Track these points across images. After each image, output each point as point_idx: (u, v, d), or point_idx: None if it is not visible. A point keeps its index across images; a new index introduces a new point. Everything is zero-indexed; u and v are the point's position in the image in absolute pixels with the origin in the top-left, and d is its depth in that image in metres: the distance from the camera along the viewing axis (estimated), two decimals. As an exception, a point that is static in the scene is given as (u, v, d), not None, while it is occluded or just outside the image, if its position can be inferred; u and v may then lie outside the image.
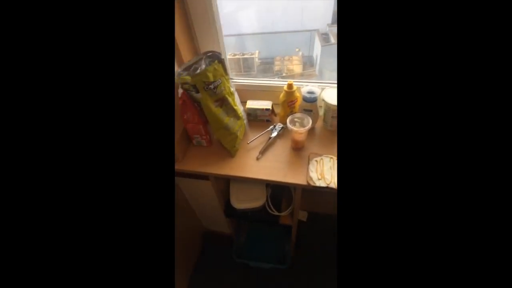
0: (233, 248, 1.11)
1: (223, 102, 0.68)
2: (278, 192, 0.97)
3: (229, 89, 0.69)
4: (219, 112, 0.68)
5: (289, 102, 0.81)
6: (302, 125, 0.76)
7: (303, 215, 1.32)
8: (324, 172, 0.72)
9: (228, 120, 0.71)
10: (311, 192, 1.21)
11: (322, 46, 3.62)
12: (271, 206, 0.92)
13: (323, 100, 0.78)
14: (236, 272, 1.16)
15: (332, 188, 0.70)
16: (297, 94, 0.81)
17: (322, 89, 0.80)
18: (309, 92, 0.77)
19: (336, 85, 0.81)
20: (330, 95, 0.78)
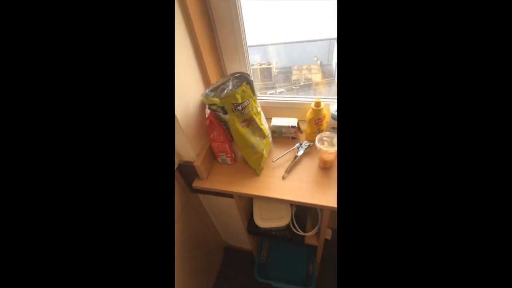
0: (255, 267, 1.09)
1: (250, 122, 0.67)
2: (303, 210, 0.94)
3: (256, 109, 0.68)
4: (245, 132, 0.67)
5: (316, 120, 0.79)
6: (331, 144, 0.73)
7: (327, 233, 1.27)
8: (354, 194, 0.69)
9: (254, 139, 0.70)
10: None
11: (341, 54, 3.59)
12: (296, 225, 0.89)
13: (353, 118, 0.75)
14: None
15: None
16: (325, 111, 0.79)
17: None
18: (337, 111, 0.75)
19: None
20: (359, 112, 0.75)
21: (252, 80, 0.65)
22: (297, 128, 0.84)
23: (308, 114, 0.79)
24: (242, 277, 1.17)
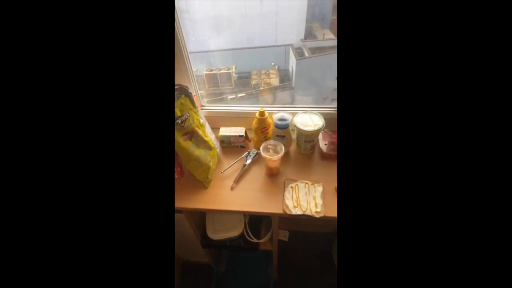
0: (213, 280, 1.06)
1: (193, 135, 0.66)
2: (257, 218, 0.95)
3: (199, 121, 0.67)
4: (188, 145, 0.65)
5: (261, 129, 0.81)
6: (276, 151, 0.75)
7: (284, 235, 1.30)
8: (299, 199, 0.72)
9: (199, 152, 0.69)
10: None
11: (296, 60, 3.73)
12: (250, 233, 0.89)
13: (295, 125, 0.78)
14: None
15: (308, 216, 0.69)
16: (270, 120, 0.81)
17: (294, 114, 0.80)
18: (280, 120, 0.77)
19: (307, 110, 0.82)
20: (302, 120, 0.79)
21: (191, 93, 0.64)
22: (245, 137, 0.85)
23: (254, 123, 0.80)
24: (202, 291, 1.13)
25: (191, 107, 0.64)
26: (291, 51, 3.75)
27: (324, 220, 1.26)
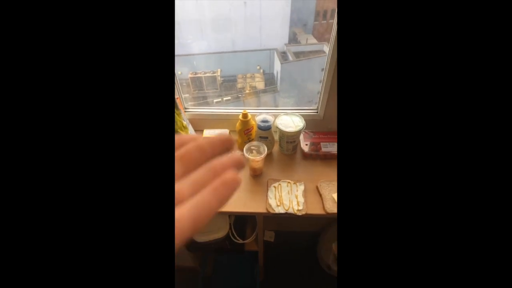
0: (198, 283, 1.06)
1: (176, 136, 0.66)
2: (242, 218, 0.96)
3: (182, 123, 0.68)
4: (172, 147, 0.66)
5: (245, 130, 0.82)
6: (259, 152, 0.77)
7: (270, 236, 1.32)
8: (282, 198, 0.74)
9: (183, 154, 0.69)
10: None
11: (281, 63, 3.80)
12: (235, 234, 0.90)
13: (277, 127, 0.80)
14: None
15: (291, 214, 0.71)
16: (253, 122, 0.83)
17: (276, 116, 0.83)
18: (263, 121, 0.79)
19: (288, 112, 0.85)
20: (283, 122, 0.81)
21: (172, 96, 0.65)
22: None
23: (237, 125, 0.82)
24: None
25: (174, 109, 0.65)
26: (275, 55, 3.82)
27: (309, 219, 1.29)
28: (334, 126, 0.90)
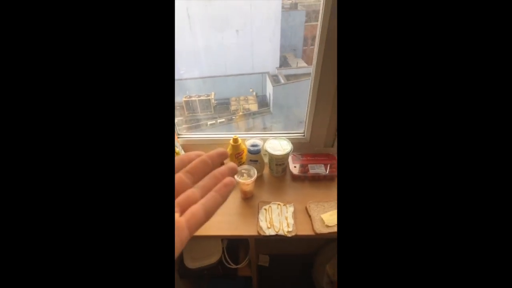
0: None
1: (168, 163, 0.69)
2: (235, 243, 0.96)
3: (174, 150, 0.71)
4: (164, 173, 0.68)
5: (236, 154, 0.86)
6: (249, 175, 0.80)
7: (264, 260, 1.30)
8: (273, 220, 0.75)
9: (175, 180, 0.72)
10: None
11: (273, 86, 3.93)
12: (228, 259, 0.90)
13: (266, 150, 0.84)
14: None
15: (281, 235, 0.72)
16: (243, 146, 0.86)
17: (265, 140, 0.87)
18: (252, 146, 0.83)
19: (277, 136, 0.89)
20: (272, 145, 0.85)
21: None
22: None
23: (228, 149, 0.85)
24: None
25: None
26: (267, 78, 3.96)
27: (302, 241, 1.29)
28: (320, 148, 0.94)
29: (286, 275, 1.26)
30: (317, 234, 0.72)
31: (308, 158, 0.91)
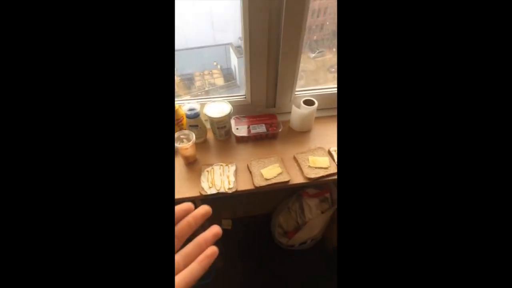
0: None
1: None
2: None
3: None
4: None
5: (176, 121, 0.85)
6: (189, 140, 0.80)
7: (228, 224, 1.36)
8: (214, 179, 0.78)
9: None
10: (230, 200, 1.27)
11: (238, 58, 3.82)
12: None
13: (205, 114, 0.83)
14: None
15: (222, 193, 0.75)
16: (181, 112, 0.85)
17: (203, 104, 0.86)
18: (190, 110, 0.82)
19: (216, 99, 0.89)
20: (211, 109, 0.85)
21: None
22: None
23: (167, 117, 0.84)
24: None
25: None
26: (231, 49, 3.82)
27: (259, 200, 1.34)
28: (262, 109, 0.96)
29: (247, 236, 1.33)
30: (256, 187, 0.76)
31: (250, 119, 0.92)
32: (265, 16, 0.72)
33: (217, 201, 1.27)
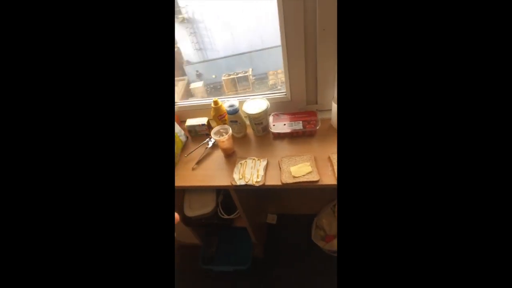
0: (199, 256, 1.21)
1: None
2: (229, 197, 1.06)
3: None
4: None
5: (219, 116, 0.93)
6: (228, 134, 0.87)
7: (272, 218, 1.39)
8: (245, 172, 0.82)
9: (159, 139, 0.84)
10: (278, 195, 1.30)
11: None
12: (221, 210, 1.02)
13: (244, 110, 0.89)
14: (202, 279, 1.24)
15: (250, 185, 0.79)
16: (224, 108, 0.93)
17: (243, 101, 0.91)
18: (229, 106, 0.89)
19: (255, 97, 0.92)
20: (249, 106, 0.89)
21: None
22: (207, 125, 0.98)
23: (212, 112, 0.93)
24: (193, 270, 1.27)
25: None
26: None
27: (305, 201, 1.31)
28: (303, 106, 0.94)
29: (292, 232, 1.32)
30: (283, 184, 0.76)
31: (289, 116, 0.92)
32: (300, 12, 0.71)
33: (265, 195, 1.32)
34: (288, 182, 0.76)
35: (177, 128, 0.94)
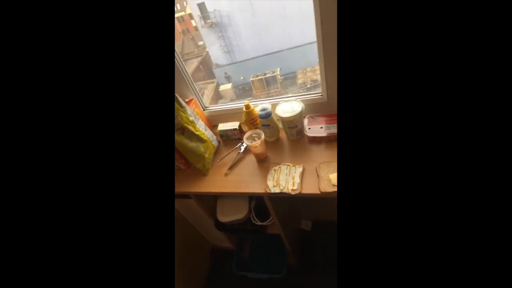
0: (233, 262, 1.19)
1: (183, 130, 0.81)
2: (262, 203, 1.03)
3: (187, 119, 0.82)
4: (181, 139, 0.81)
5: (250, 120, 0.90)
6: (260, 138, 0.83)
7: (306, 225, 1.33)
8: (279, 179, 0.78)
9: (192, 145, 0.84)
10: (313, 201, 1.24)
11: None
12: (255, 217, 0.99)
13: (276, 113, 0.85)
14: (237, 285, 1.22)
15: (285, 193, 0.75)
16: (256, 112, 0.90)
17: (276, 104, 0.87)
18: (262, 110, 0.85)
19: (289, 99, 0.88)
20: (282, 108, 0.85)
21: (176, 96, 0.80)
22: (239, 130, 0.96)
23: (243, 116, 0.91)
24: (227, 275, 1.26)
25: (179, 107, 0.80)
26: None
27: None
28: (341, 106, 0.87)
29: (326, 240, 1.25)
30: (322, 193, 0.71)
31: (325, 118, 0.86)
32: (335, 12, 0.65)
33: (299, 201, 1.26)
34: (327, 191, 0.70)
35: (209, 133, 0.93)
